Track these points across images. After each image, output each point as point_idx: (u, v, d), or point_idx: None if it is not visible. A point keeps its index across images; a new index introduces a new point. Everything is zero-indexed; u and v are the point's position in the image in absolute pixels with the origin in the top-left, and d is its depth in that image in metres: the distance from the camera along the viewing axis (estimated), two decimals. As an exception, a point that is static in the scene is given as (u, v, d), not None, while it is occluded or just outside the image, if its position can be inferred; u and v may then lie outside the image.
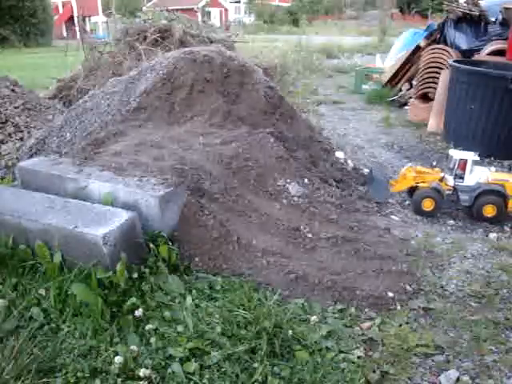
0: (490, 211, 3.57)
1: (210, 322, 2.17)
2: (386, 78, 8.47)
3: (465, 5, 7.00)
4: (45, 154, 3.83)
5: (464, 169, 3.67)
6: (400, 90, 8.15)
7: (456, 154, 3.74)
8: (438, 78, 6.44)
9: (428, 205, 3.67)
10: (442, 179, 3.75)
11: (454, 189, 3.73)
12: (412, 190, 3.83)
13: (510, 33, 6.06)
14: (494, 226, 3.58)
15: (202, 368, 1.94)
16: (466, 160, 3.66)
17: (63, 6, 32.44)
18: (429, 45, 7.39)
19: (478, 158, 3.72)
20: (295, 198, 3.39)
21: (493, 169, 3.84)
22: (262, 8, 42.37)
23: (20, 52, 19.47)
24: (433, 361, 2.13)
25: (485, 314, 2.44)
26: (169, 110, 3.99)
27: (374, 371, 2.02)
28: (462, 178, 3.69)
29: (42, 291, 2.33)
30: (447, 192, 3.74)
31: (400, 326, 2.33)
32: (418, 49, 7.72)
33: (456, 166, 3.70)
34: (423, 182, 3.74)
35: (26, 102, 5.16)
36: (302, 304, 2.43)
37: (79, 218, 2.46)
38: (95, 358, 1.99)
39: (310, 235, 3.05)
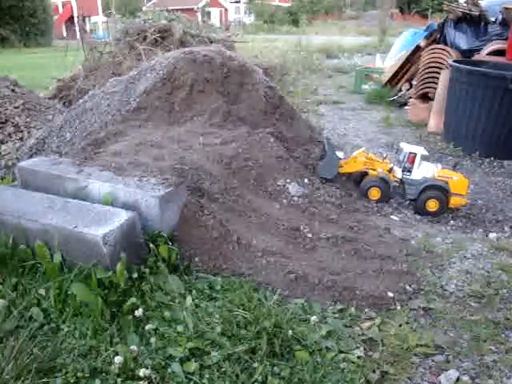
0: (432, 206, 3.67)
1: (210, 322, 2.17)
2: (385, 78, 8.47)
3: (465, 5, 7.00)
4: (45, 154, 3.83)
5: (413, 162, 3.77)
6: (400, 90, 8.15)
7: (406, 147, 3.86)
8: (437, 78, 6.44)
9: (374, 194, 3.78)
10: (390, 170, 3.84)
11: (401, 181, 3.83)
12: (360, 179, 3.91)
13: (510, 33, 6.06)
14: (494, 226, 3.58)
15: (202, 368, 1.94)
16: (415, 154, 3.76)
17: (63, 6, 32.46)
18: (429, 45, 7.39)
19: (426, 153, 3.84)
20: (295, 198, 3.39)
21: (439, 165, 3.90)
22: (262, 8, 42.35)
23: (20, 52, 19.48)
24: (433, 361, 2.13)
25: (485, 314, 2.44)
26: (169, 109, 3.99)
27: (374, 371, 2.02)
28: (410, 171, 3.79)
29: (42, 291, 2.32)
30: (394, 184, 3.84)
31: (400, 325, 2.32)
32: (417, 49, 7.72)
33: (405, 159, 3.80)
34: (372, 168, 3.84)
35: (26, 101, 5.15)
36: (302, 304, 2.42)
37: (79, 217, 2.46)
38: (95, 358, 1.99)
39: (310, 235, 3.05)
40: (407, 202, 3.90)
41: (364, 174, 3.89)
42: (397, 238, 3.22)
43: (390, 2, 27.10)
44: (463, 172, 4.51)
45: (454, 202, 3.66)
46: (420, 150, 3.78)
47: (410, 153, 3.77)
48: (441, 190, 3.64)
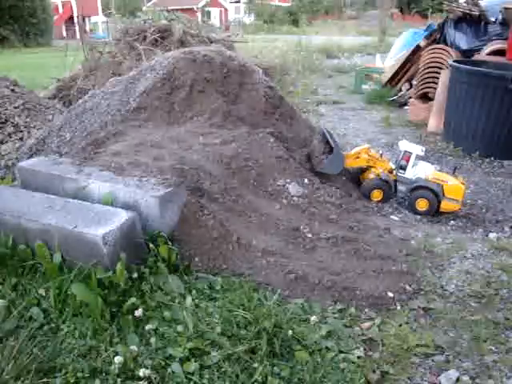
0: (422, 205, 3.67)
1: (210, 322, 2.17)
2: (385, 78, 8.47)
3: (465, 5, 6.99)
4: (45, 153, 3.82)
5: (408, 161, 3.78)
6: (400, 90, 8.15)
7: (403, 145, 3.86)
8: (437, 78, 6.43)
9: (377, 195, 3.82)
10: (391, 171, 3.86)
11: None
12: (359, 173, 3.96)
13: (510, 33, 6.06)
14: (494, 226, 3.58)
15: (202, 368, 1.94)
16: (411, 153, 3.76)
17: (63, 6, 32.45)
18: (429, 45, 7.39)
19: (423, 153, 3.83)
20: (295, 198, 3.39)
21: (437, 167, 3.90)
22: (262, 8, 42.32)
23: (20, 52, 19.48)
24: (433, 361, 2.13)
25: (485, 314, 2.44)
26: (169, 110, 3.99)
27: (374, 371, 2.02)
28: (405, 169, 3.80)
29: (42, 291, 2.32)
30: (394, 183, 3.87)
31: (400, 325, 2.32)
32: (418, 49, 7.71)
33: (400, 157, 3.81)
34: (374, 166, 3.87)
35: (26, 101, 5.15)
36: (302, 304, 2.42)
37: (79, 217, 2.46)
38: (95, 358, 1.99)
39: (309, 235, 3.05)
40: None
41: (364, 170, 3.90)
42: (397, 238, 3.22)
43: (390, 2, 27.11)
44: (463, 172, 4.53)
45: (445, 206, 3.61)
46: (416, 150, 3.78)
47: (406, 151, 3.78)
48: (431, 192, 3.61)
